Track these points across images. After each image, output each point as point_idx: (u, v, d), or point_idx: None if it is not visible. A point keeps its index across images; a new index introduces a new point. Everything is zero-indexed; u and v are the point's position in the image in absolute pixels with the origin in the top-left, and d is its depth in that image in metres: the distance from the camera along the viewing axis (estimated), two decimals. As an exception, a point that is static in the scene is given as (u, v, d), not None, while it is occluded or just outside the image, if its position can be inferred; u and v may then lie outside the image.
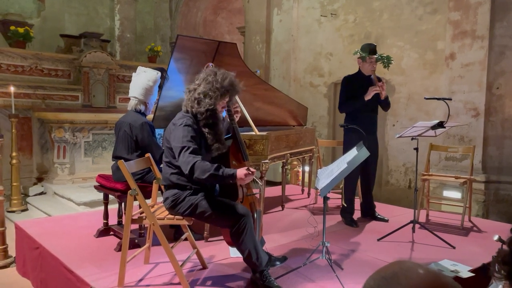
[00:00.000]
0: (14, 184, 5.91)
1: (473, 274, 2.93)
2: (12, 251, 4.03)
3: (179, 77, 3.98)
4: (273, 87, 5.01)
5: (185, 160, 2.49)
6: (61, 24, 9.27)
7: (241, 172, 2.47)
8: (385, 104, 4.27)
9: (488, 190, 5.44)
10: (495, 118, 5.51)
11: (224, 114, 2.96)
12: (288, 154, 4.55)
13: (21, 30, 7.42)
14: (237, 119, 3.09)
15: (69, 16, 9.48)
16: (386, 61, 4.12)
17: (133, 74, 3.75)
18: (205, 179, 2.46)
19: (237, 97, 3.68)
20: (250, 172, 2.48)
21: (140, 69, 3.73)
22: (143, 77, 3.65)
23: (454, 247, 3.53)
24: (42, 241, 3.39)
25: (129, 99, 3.73)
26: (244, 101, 3.89)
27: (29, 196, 6.45)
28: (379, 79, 4.17)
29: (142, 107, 3.68)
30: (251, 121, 3.96)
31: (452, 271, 2.98)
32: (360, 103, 4.10)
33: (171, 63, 3.84)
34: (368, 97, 4.08)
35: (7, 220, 4.44)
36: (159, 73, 3.73)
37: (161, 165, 2.87)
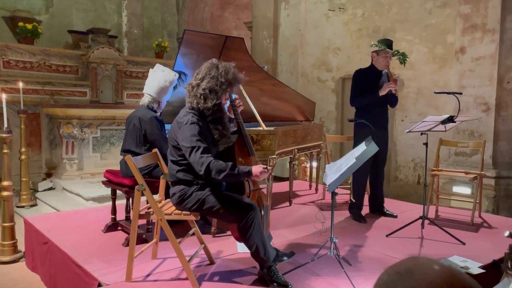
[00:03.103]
0: (23, 179, 5.95)
1: (483, 271, 2.90)
2: (21, 246, 4.06)
3: (186, 72, 3.97)
4: (281, 82, 4.98)
5: (197, 160, 2.49)
6: (68, 20, 9.30)
7: (256, 169, 2.48)
8: (395, 100, 4.23)
9: (499, 186, 5.37)
10: (506, 113, 5.43)
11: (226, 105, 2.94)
12: (296, 150, 4.52)
13: (29, 26, 7.46)
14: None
15: (76, 12, 9.50)
16: (402, 58, 4.08)
17: (150, 70, 3.75)
18: (222, 179, 2.50)
19: (244, 92, 3.67)
20: (266, 170, 2.48)
21: (159, 67, 3.72)
22: (161, 76, 3.64)
23: (464, 243, 3.49)
24: (50, 236, 3.41)
25: (139, 94, 3.73)
26: (252, 96, 3.87)
27: (38, 191, 6.49)
28: (392, 75, 4.12)
29: (155, 105, 3.70)
30: (258, 116, 3.94)
31: (462, 267, 2.94)
32: (373, 98, 4.06)
33: (178, 58, 3.83)
34: (382, 92, 4.04)
35: (16, 215, 4.48)
36: (177, 75, 3.72)
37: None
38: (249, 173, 2.48)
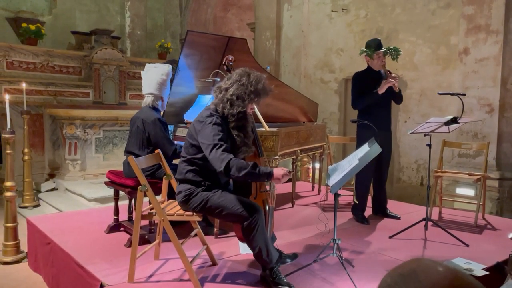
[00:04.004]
0: (26, 180, 5.97)
1: (487, 273, 2.88)
2: (24, 247, 4.07)
3: (189, 73, 3.97)
4: (284, 83, 4.97)
5: (218, 157, 2.46)
6: (72, 21, 9.33)
7: (278, 172, 2.46)
8: (399, 97, 4.21)
9: (502, 187, 5.34)
10: (510, 114, 5.41)
11: None
12: (299, 151, 4.51)
13: (32, 27, 7.49)
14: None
15: (80, 13, 9.53)
16: (394, 53, 4.07)
17: (142, 72, 3.75)
18: (241, 177, 2.44)
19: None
20: (287, 174, 2.47)
21: (149, 65, 3.73)
22: (155, 72, 3.65)
23: (467, 245, 3.47)
24: (53, 237, 3.41)
25: (142, 95, 3.74)
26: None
27: (41, 192, 6.51)
28: (390, 73, 4.11)
29: (159, 103, 3.70)
30: (261, 117, 3.93)
31: (465, 269, 2.92)
32: (374, 97, 4.04)
33: (181, 59, 3.84)
34: (381, 90, 4.02)
35: (19, 216, 4.48)
36: (170, 66, 3.73)
37: (173, 161, 2.86)
38: (270, 174, 2.45)
